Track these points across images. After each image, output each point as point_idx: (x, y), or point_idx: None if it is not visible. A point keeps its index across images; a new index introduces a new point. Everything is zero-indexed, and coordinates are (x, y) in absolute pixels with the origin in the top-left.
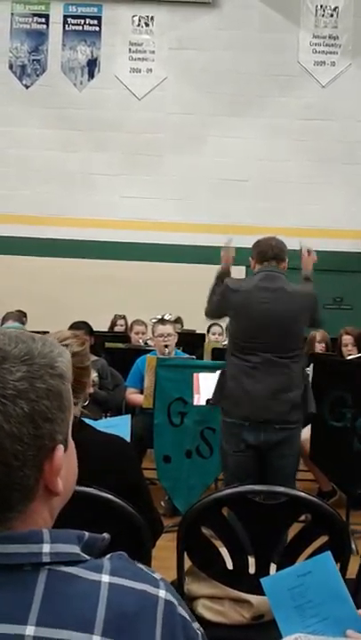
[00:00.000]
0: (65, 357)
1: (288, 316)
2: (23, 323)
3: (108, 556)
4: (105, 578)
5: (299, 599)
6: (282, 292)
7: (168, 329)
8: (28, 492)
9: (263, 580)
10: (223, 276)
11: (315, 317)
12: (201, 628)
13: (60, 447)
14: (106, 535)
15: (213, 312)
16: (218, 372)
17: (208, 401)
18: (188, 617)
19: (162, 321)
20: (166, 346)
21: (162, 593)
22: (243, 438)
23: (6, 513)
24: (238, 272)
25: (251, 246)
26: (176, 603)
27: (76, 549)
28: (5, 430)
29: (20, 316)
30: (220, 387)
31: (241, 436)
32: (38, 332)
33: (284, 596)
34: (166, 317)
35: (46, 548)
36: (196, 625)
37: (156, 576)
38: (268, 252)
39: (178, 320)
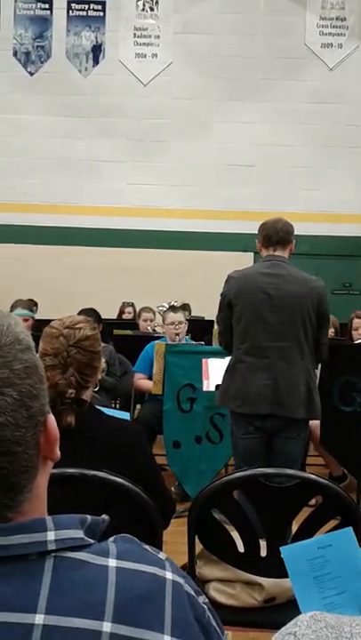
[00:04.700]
0: (19, 323)
1: (294, 301)
2: (32, 311)
3: (112, 538)
4: (112, 562)
5: (318, 570)
6: (286, 277)
7: (179, 317)
8: (33, 470)
9: (283, 549)
10: None
11: (321, 310)
12: (207, 601)
13: (51, 417)
14: (105, 517)
15: (224, 328)
16: (228, 359)
17: (218, 386)
18: (193, 593)
19: (173, 309)
20: (177, 334)
21: (169, 574)
22: (250, 422)
23: (18, 497)
24: (246, 259)
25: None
26: (182, 582)
27: (80, 534)
28: (2, 422)
29: (30, 305)
30: (226, 388)
31: (248, 420)
32: (46, 320)
33: (304, 566)
34: (174, 305)
35: (51, 535)
36: (201, 599)
37: (162, 556)
38: (273, 236)
39: (185, 307)
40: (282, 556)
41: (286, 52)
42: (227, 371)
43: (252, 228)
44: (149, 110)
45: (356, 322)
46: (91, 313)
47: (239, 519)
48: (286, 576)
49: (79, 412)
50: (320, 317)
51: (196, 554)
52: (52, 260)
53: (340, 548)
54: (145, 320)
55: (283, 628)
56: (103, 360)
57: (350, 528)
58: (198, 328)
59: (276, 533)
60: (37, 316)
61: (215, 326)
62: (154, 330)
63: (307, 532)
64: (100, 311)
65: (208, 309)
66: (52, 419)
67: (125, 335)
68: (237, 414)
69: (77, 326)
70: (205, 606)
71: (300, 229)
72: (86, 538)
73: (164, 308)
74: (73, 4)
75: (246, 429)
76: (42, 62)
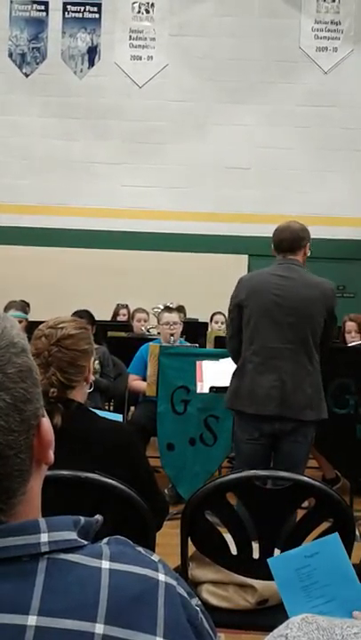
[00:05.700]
0: (16, 326)
1: (304, 303)
2: (26, 312)
3: (106, 540)
4: (105, 564)
5: (306, 580)
6: (297, 280)
7: (174, 317)
8: (26, 474)
9: (270, 560)
10: None
11: (330, 312)
12: (200, 603)
13: (44, 420)
14: (99, 517)
15: (233, 332)
16: (222, 361)
17: (211, 389)
18: (186, 595)
19: (168, 309)
20: (172, 334)
21: (161, 576)
22: (257, 427)
23: (11, 500)
24: (241, 261)
25: (253, 235)
26: (175, 583)
27: (73, 535)
28: None
29: (24, 306)
30: (234, 389)
31: (255, 424)
32: (40, 322)
33: (291, 577)
34: (170, 306)
35: (44, 537)
36: (194, 601)
37: (155, 558)
38: (282, 243)
39: (180, 309)
40: (270, 567)
41: (282, 56)
42: (235, 372)
43: (248, 230)
44: (145, 112)
45: (348, 325)
46: (84, 314)
47: (232, 521)
48: None
49: (67, 412)
50: (328, 318)
51: (189, 556)
52: (47, 261)
53: (328, 555)
54: (138, 320)
55: (275, 631)
56: (97, 362)
57: (337, 534)
58: (193, 330)
59: (269, 536)
60: (31, 318)
61: (209, 328)
62: (148, 330)
63: (299, 534)
64: (95, 313)
65: (203, 311)
66: (46, 422)
67: (119, 337)
68: (245, 417)
69: (60, 326)
70: (198, 608)
71: None
72: (79, 539)
73: (160, 310)
74: (68, 6)
75: (252, 435)
76: (37, 64)
